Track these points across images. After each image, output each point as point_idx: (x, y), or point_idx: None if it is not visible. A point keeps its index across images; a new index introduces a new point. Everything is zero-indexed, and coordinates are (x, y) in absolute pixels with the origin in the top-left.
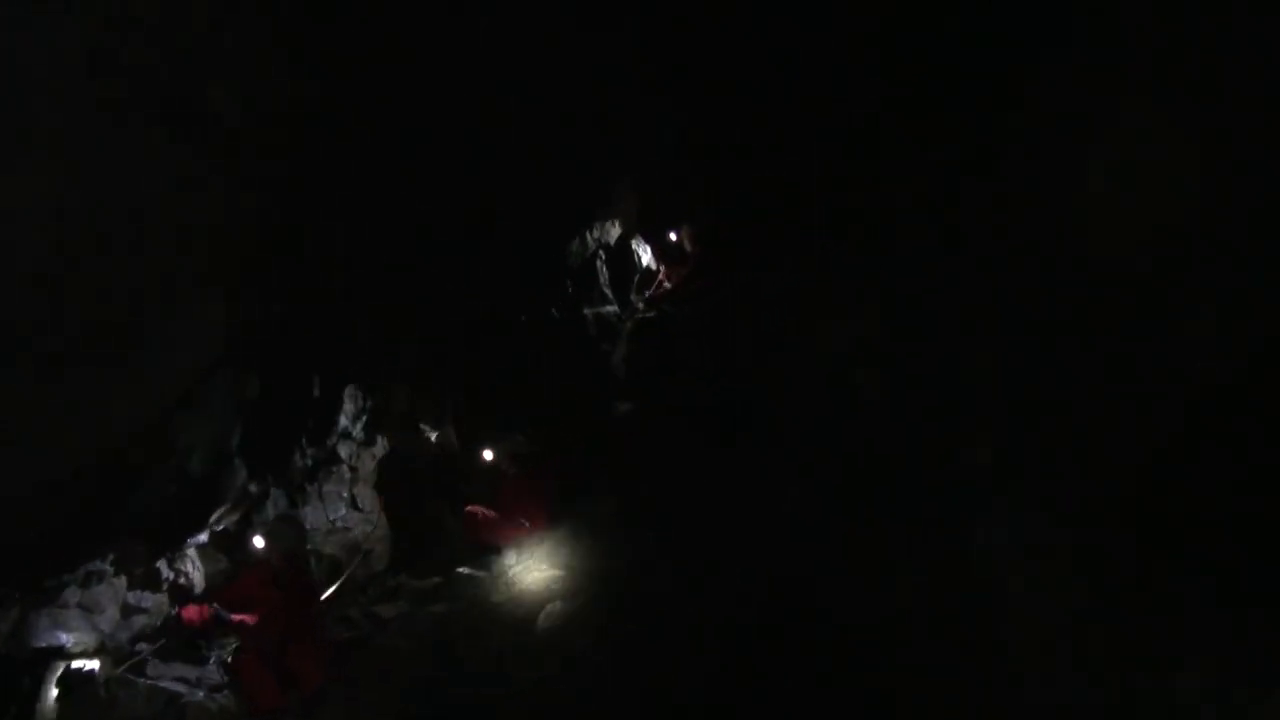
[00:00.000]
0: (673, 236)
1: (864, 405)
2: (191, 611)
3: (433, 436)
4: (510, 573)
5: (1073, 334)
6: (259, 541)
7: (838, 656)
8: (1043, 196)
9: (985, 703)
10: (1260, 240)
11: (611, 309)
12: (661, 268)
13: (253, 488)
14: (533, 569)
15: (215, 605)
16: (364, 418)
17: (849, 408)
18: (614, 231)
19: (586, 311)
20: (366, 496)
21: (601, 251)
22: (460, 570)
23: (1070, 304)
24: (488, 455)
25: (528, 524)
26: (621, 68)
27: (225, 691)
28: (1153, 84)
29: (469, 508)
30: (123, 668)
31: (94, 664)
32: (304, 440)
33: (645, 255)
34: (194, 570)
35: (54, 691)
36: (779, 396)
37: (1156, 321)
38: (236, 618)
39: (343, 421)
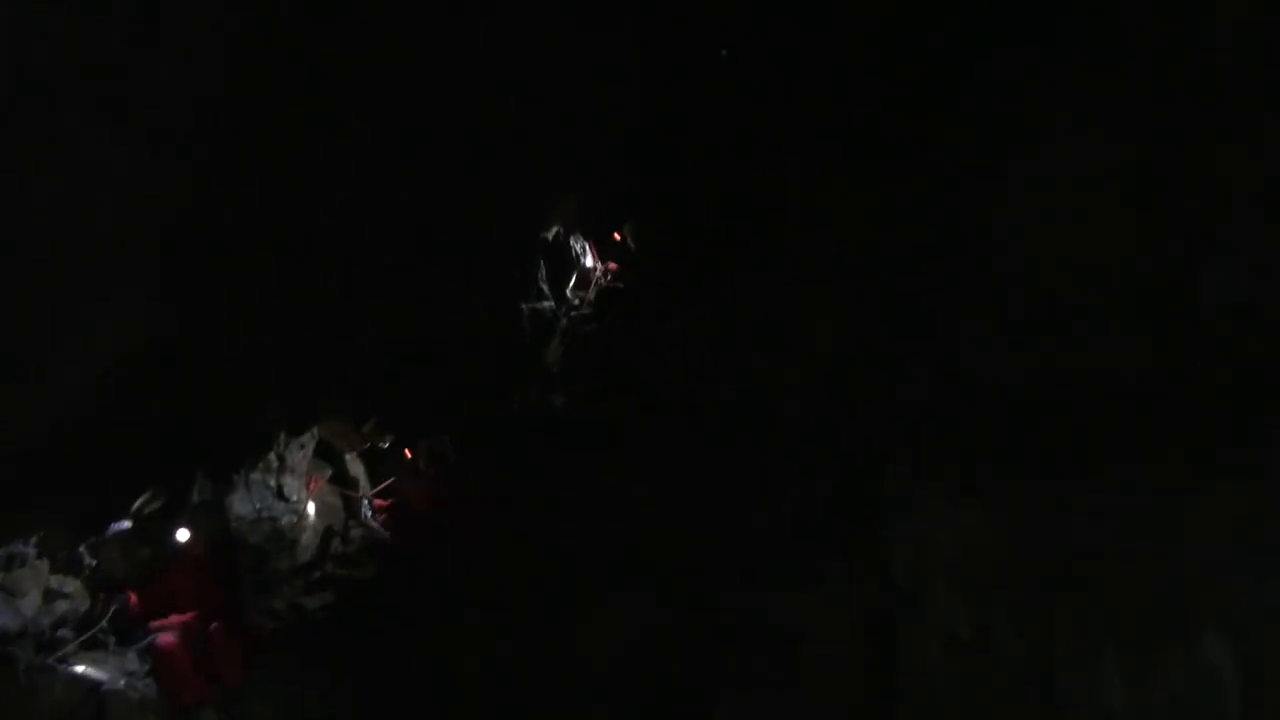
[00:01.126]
0: (615, 236)
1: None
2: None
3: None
4: None
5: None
6: (183, 531)
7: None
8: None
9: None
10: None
11: (548, 305)
12: (599, 266)
13: (177, 474)
14: None
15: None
16: (292, 408)
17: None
18: (553, 229)
19: (523, 306)
20: (293, 487)
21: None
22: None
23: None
24: (408, 453)
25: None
26: (580, 63)
27: (146, 680)
28: (1152, 83)
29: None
30: (43, 655)
31: (14, 649)
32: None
33: (584, 253)
34: (117, 557)
35: None
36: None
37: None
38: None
39: (271, 409)
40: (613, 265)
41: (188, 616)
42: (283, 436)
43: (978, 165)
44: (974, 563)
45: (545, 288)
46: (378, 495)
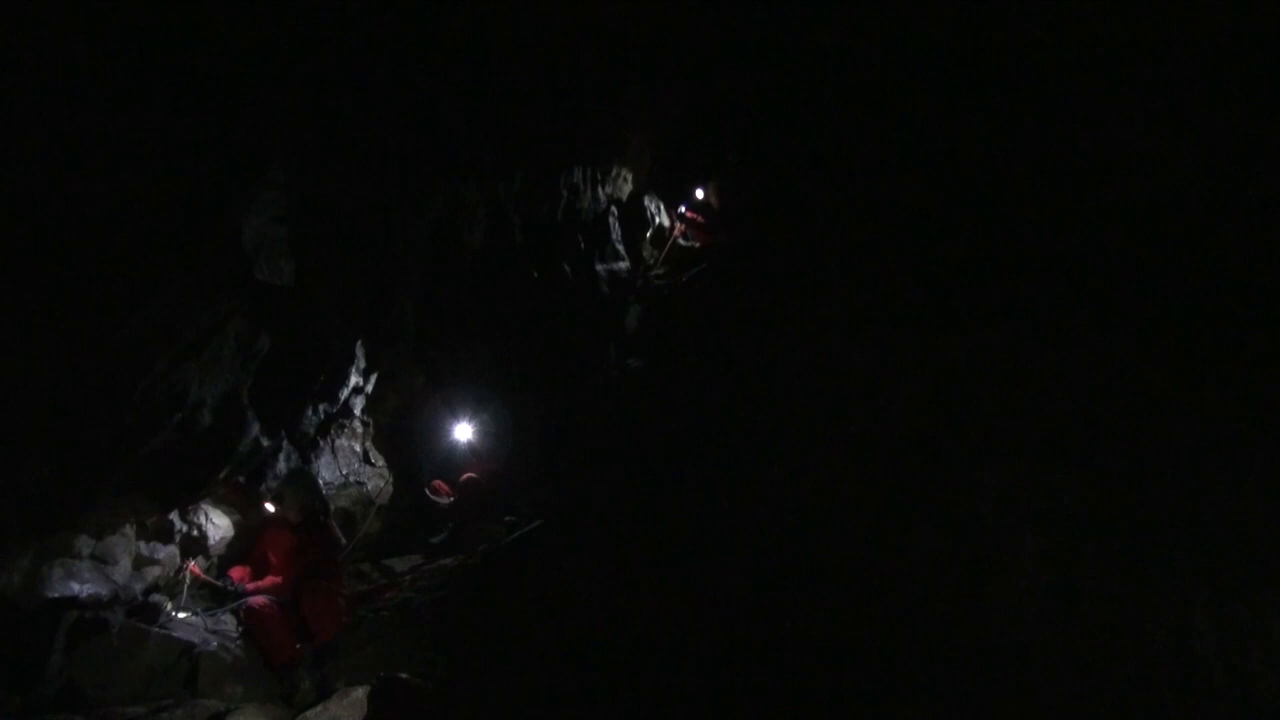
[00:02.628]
0: (699, 193)
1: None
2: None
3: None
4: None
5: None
6: (276, 496)
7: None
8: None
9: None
10: None
11: (624, 265)
12: (679, 225)
13: (265, 441)
14: None
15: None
16: (375, 372)
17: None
18: (626, 187)
19: (599, 268)
20: (377, 450)
21: (614, 207)
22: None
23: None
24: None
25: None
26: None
27: (238, 642)
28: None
29: None
30: (135, 618)
31: (107, 614)
32: (316, 394)
33: (659, 212)
34: (206, 523)
35: (67, 641)
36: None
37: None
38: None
39: (354, 377)
40: (690, 219)
41: (280, 579)
42: (368, 401)
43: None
44: (1061, 511)
45: (620, 248)
46: None
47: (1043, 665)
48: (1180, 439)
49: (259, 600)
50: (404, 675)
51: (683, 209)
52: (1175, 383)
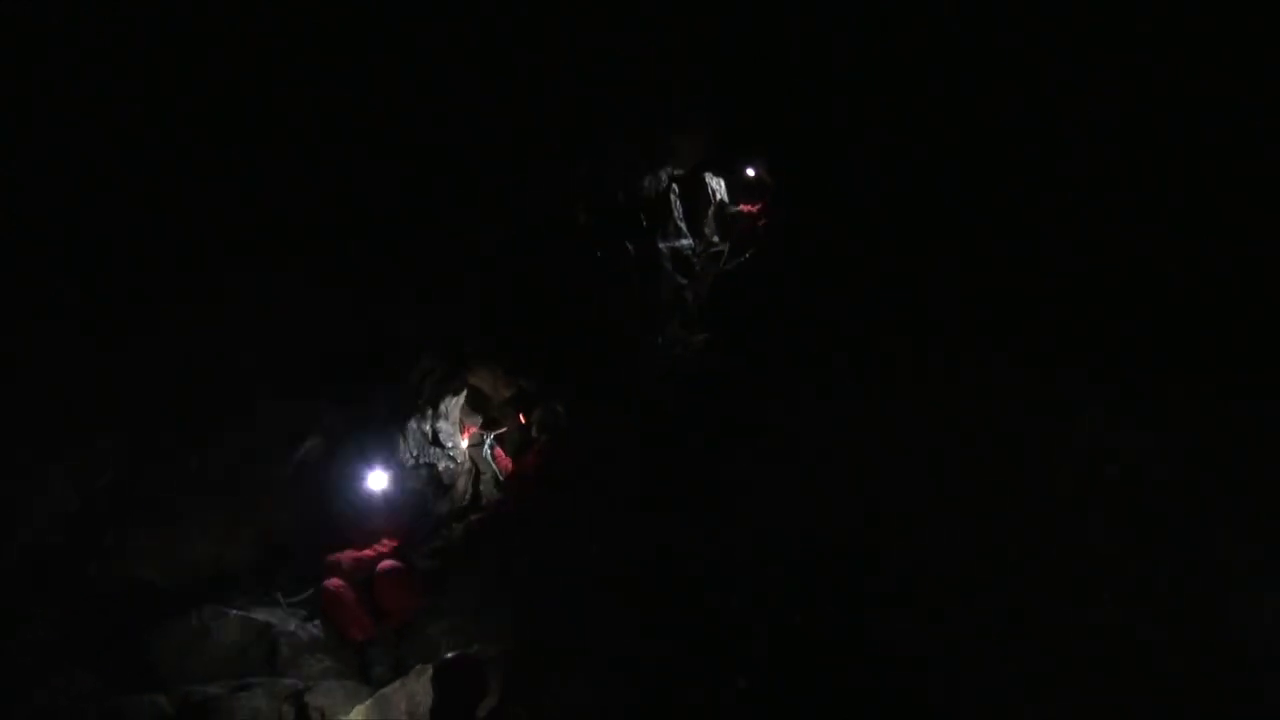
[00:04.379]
0: (750, 171)
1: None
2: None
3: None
4: None
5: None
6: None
7: None
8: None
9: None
10: None
11: (686, 242)
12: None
13: (338, 428)
14: None
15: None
16: (447, 355)
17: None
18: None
19: (662, 245)
20: (448, 433)
21: (675, 185)
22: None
23: None
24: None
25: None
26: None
27: (316, 622)
28: None
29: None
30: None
31: (185, 596)
32: (387, 379)
33: (719, 189)
34: (282, 506)
35: (148, 623)
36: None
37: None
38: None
39: (425, 360)
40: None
41: (357, 556)
42: (435, 384)
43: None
44: (1135, 475)
45: (682, 225)
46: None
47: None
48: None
49: (335, 581)
50: (471, 650)
51: (741, 207)
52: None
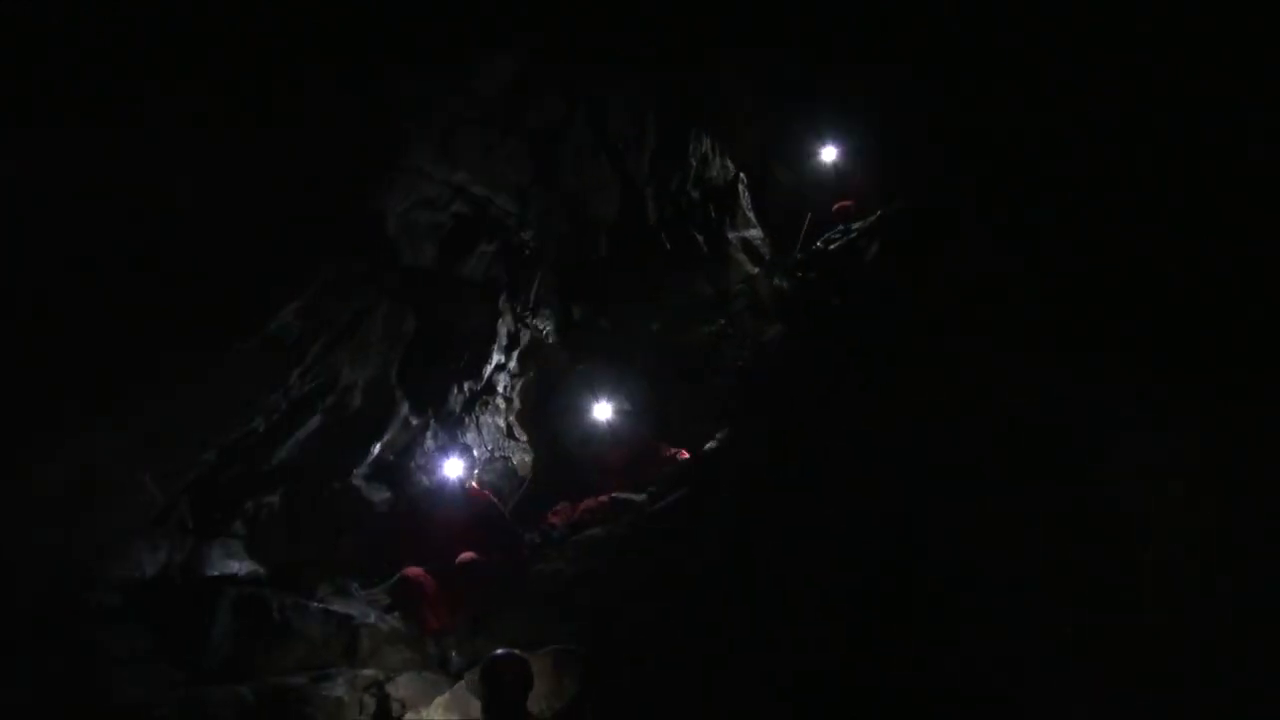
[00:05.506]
0: (826, 159)
1: None
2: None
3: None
4: None
5: None
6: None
7: None
8: None
9: None
10: None
11: (755, 232)
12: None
13: (413, 420)
14: None
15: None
16: (517, 349)
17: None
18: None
19: (731, 236)
20: (520, 426)
21: (742, 174)
22: (617, 496)
23: None
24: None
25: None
26: None
27: (395, 613)
28: None
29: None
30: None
31: (266, 590)
32: (461, 372)
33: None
34: (360, 499)
35: (229, 616)
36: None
37: None
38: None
39: (497, 354)
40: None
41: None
42: (510, 378)
43: None
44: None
45: (751, 215)
46: None
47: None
48: None
49: (415, 570)
50: (514, 651)
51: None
52: None
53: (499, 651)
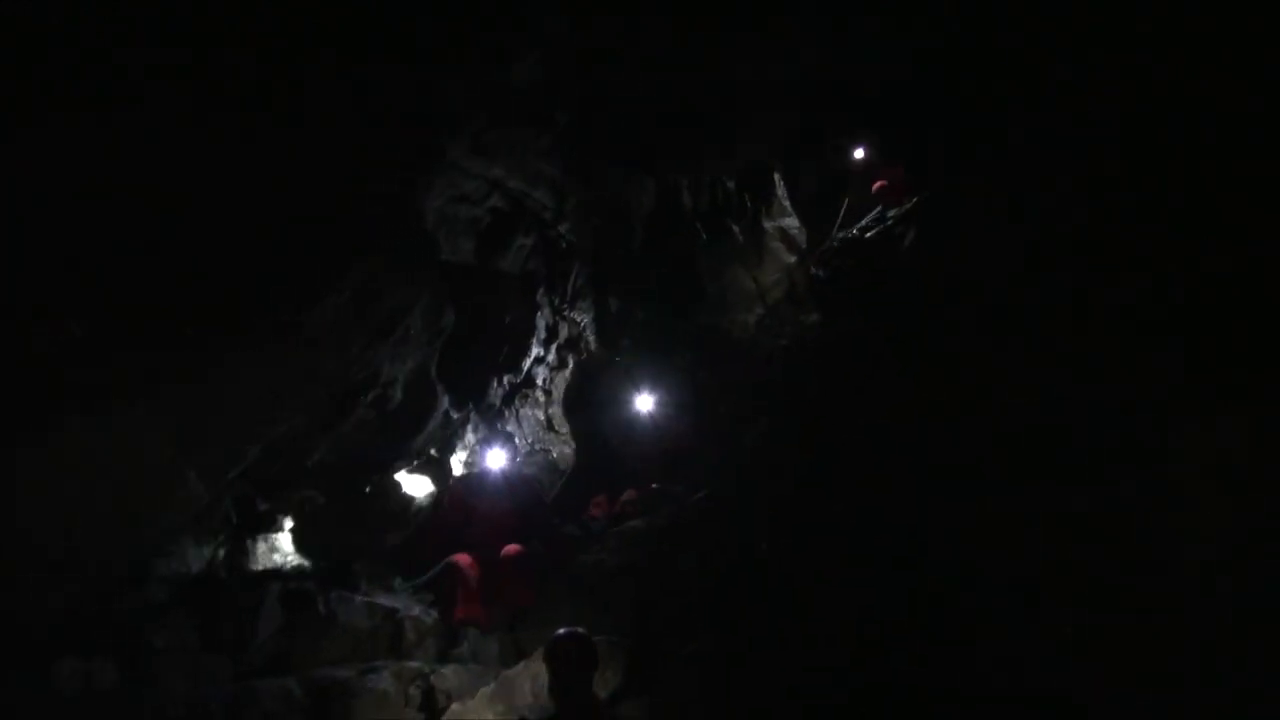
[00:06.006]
0: (858, 154)
1: None
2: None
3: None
4: None
5: None
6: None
7: None
8: None
9: None
10: None
11: (792, 221)
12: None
13: (454, 414)
14: None
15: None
16: (556, 342)
17: None
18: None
19: (767, 225)
20: (560, 418)
21: (778, 163)
22: (657, 487)
23: None
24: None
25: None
26: None
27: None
28: None
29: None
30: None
31: (310, 584)
32: (500, 366)
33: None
34: (402, 493)
35: (276, 610)
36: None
37: None
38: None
39: (536, 347)
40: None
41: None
42: (549, 371)
43: None
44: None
45: (787, 204)
46: None
47: None
48: None
49: (464, 557)
50: (578, 630)
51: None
52: None
53: (562, 631)
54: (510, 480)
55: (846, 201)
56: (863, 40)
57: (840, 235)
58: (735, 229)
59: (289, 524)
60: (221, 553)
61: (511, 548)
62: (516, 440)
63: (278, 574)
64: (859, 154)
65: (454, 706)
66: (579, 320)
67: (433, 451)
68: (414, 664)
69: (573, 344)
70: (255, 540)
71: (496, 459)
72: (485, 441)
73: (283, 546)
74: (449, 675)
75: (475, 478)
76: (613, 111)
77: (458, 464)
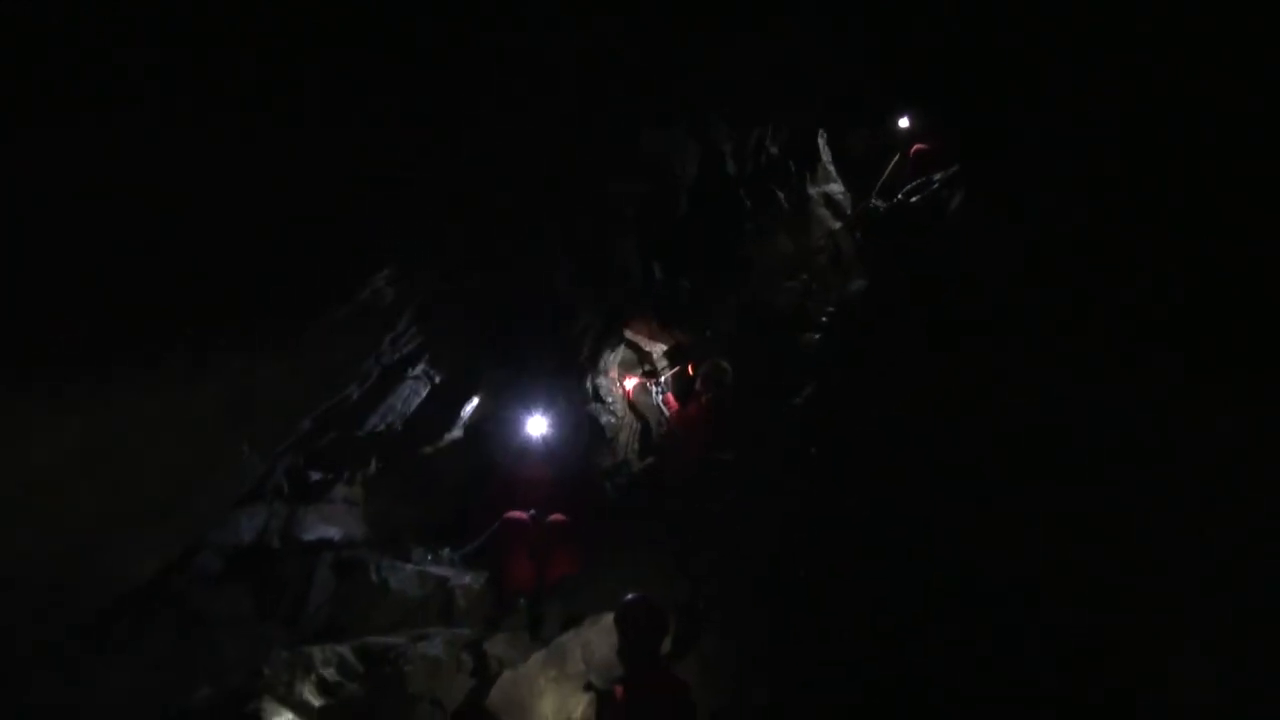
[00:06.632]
0: (903, 123)
1: None
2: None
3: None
4: None
5: None
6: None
7: None
8: None
9: None
10: None
11: (837, 187)
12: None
13: (502, 384)
14: None
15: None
16: (601, 310)
17: None
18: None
19: (812, 191)
20: (607, 387)
21: (822, 129)
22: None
23: None
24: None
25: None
26: None
27: (488, 575)
28: None
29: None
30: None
31: (362, 553)
32: (546, 335)
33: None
34: (451, 463)
35: (328, 578)
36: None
37: None
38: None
39: (581, 316)
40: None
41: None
42: (594, 339)
43: None
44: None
45: (831, 169)
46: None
47: None
48: None
49: (518, 515)
50: (647, 596)
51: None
52: None
53: (631, 597)
54: (551, 448)
55: (894, 161)
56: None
57: (880, 201)
58: (780, 195)
59: (341, 494)
60: (275, 523)
61: (556, 517)
62: (563, 411)
63: (330, 543)
64: (904, 123)
65: (506, 673)
66: (624, 288)
67: (481, 421)
68: (465, 631)
69: (618, 312)
70: (307, 510)
71: (537, 426)
72: (528, 411)
73: (334, 516)
74: (500, 642)
75: (517, 447)
76: (657, 77)
77: (505, 433)
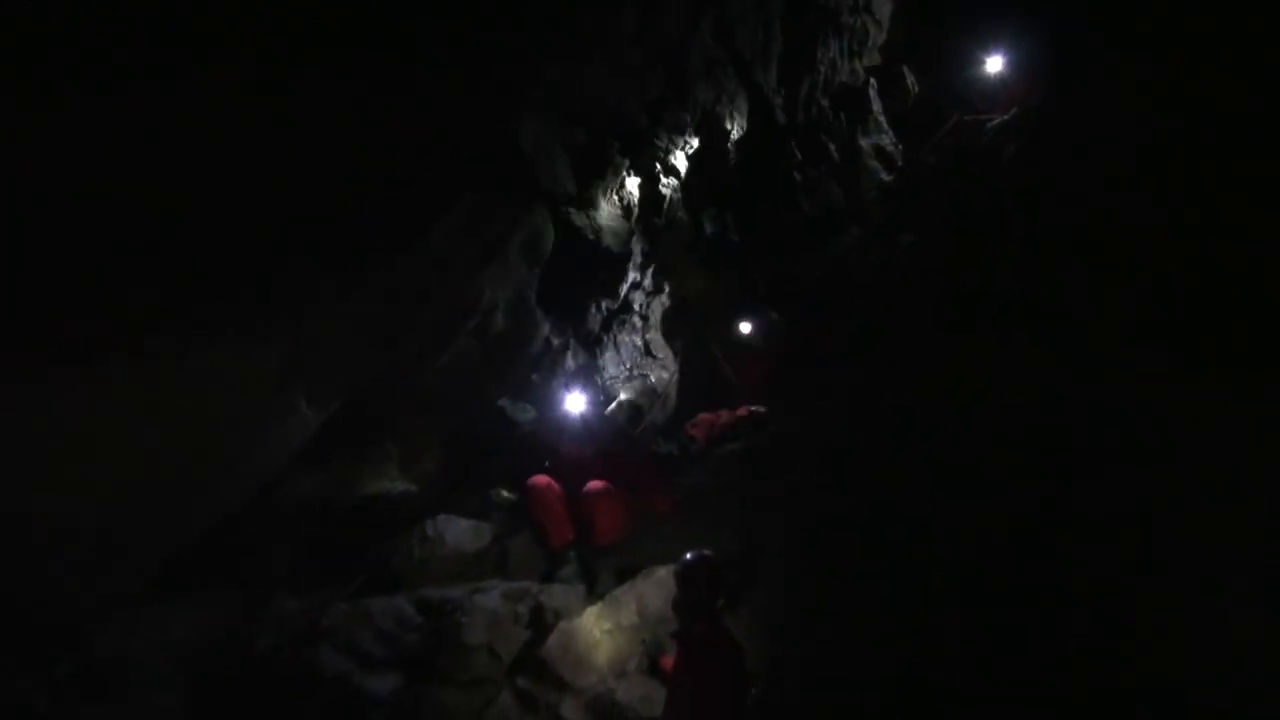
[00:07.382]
0: (990, 67)
1: None
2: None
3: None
4: None
5: None
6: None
7: None
8: None
9: None
10: None
11: (887, 137)
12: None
13: (554, 340)
14: None
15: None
16: (652, 267)
17: None
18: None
19: (862, 142)
20: (658, 343)
21: (872, 79)
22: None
23: None
24: (745, 329)
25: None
26: None
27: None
28: None
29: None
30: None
31: (418, 507)
32: (598, 292)
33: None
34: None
35: (383, 534)
36: None
37: None
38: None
39: (633, 272)
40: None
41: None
42: (646, 296)
43: None
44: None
45: (882, 120)
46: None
47: None
48: None
49: (540, 479)
50: (705, 552)
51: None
52: None
53: (689, 555)
54: (589, 423)
55: (955, 116)
56: None
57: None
58: (830, 146)
59: (396, 450)
60: (331, 478)
61: (595, 484)
62: (611, 367)
63: (386, 498)
64: (992, 70)
65: (561, 625)
66: (674, 242)
67: (534, 377)
68: (520, 584)
69: (669, 269)
70: (364, 465)
71: (576, 402)
72: (565, 385)
73: (390, 472)
74: (556, 594)
75: (556, 422)
76: (706, 29)
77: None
